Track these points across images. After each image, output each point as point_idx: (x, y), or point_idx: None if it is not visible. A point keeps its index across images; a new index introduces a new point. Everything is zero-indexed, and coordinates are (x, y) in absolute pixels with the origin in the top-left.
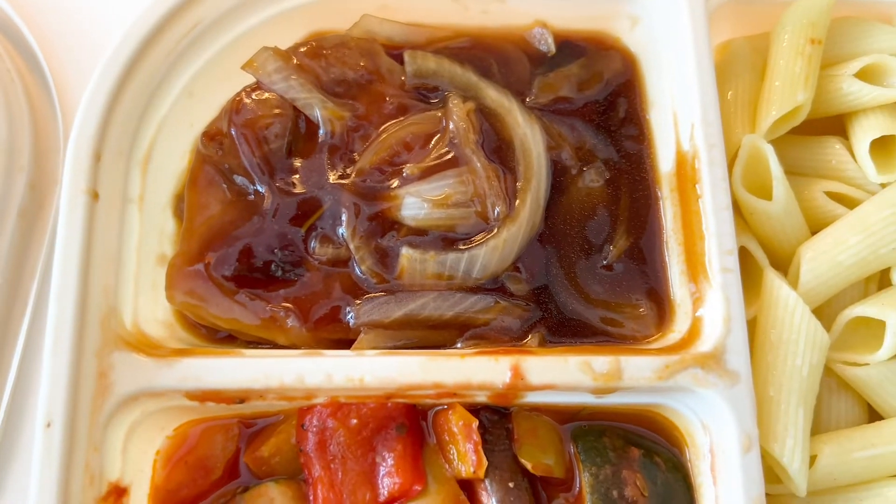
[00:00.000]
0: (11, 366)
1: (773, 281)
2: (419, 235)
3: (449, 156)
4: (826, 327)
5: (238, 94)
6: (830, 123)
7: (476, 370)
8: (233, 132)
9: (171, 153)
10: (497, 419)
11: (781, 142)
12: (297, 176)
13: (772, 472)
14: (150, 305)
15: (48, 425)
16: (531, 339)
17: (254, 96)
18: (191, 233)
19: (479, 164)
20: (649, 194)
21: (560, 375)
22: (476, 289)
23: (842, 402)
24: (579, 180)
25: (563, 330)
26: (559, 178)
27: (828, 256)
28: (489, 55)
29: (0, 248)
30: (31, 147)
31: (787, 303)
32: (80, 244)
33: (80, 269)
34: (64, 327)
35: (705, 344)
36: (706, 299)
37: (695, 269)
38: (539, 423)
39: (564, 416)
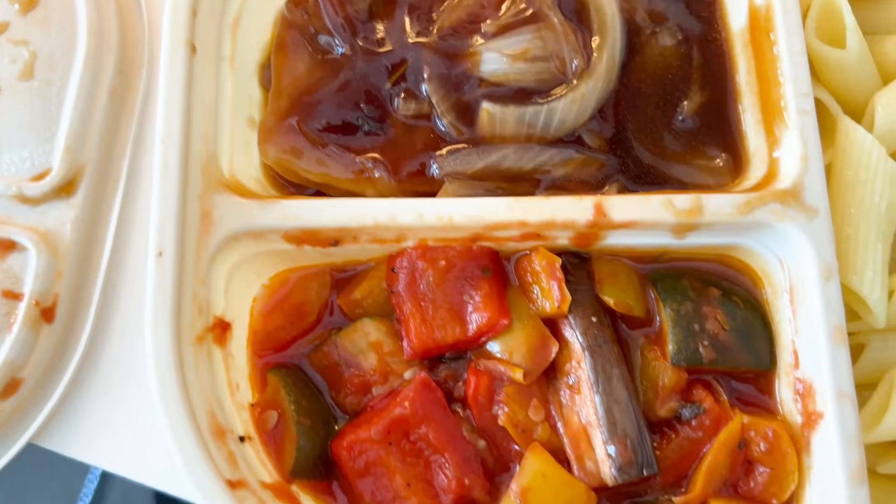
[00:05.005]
0: (107, 237)
1: (849, 126)
2: (499, 89)
3: (527, 13)
4: None
5: None
6: None
7: (560, 208)
8: None
9: (258, 20)
10: (578, 262)
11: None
12: (380, 35)
13: (850, 311)
14: (242, 164)
15: (160, 254)
16: (609, 188)
17: None
18: (280, 93)
19: (556, 20)
20: (722, 52)
21: (642, 212)
22: (555, 142)
23: None
24: (653, 41)
25: (640, 181)
26: (634, 39)
27: None
28: None
29: (93, 125)
30: (118, 31)
31: (863, 144)
32: (182, 92)
33: (183, 116)
34: (170, 167)
35: (784, 181)
36: (783, 141)
37: (770, 115)
38: (619, 268)
39: (644, 262)
